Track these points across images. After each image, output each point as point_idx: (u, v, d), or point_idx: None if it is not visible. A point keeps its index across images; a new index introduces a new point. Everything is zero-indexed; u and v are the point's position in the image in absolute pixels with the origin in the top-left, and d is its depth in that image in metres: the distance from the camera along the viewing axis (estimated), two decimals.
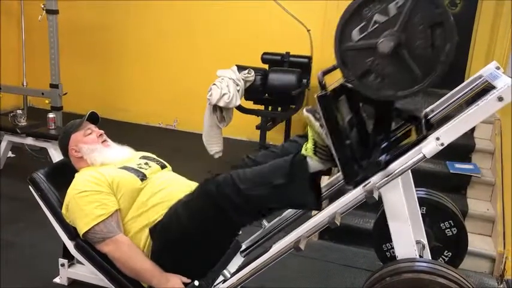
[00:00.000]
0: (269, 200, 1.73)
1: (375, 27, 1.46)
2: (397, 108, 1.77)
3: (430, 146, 1.50)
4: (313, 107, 1.66)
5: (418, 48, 1.44)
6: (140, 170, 2.04)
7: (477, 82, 1.82)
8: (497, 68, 1.77)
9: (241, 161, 2.02)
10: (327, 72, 1.61)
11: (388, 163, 1.57)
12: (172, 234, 1.86)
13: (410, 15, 1.42)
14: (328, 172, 1.78)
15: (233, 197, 1.71)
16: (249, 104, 4.13)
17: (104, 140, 2.13)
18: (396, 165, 1.56)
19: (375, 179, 1.57)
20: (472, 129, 3.48)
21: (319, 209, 1.74)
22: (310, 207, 1.83)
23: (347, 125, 1.68)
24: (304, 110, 1.60)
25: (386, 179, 1.56)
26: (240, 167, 1.94)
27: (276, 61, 4.28)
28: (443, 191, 2.54)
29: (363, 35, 1.48)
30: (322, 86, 1.53)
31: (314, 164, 1.68)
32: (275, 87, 3.93)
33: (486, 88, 1.67)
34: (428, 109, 1.96)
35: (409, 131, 1.86)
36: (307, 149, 1.69)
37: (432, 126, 1.81)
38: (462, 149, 3.39)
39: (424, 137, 1.53)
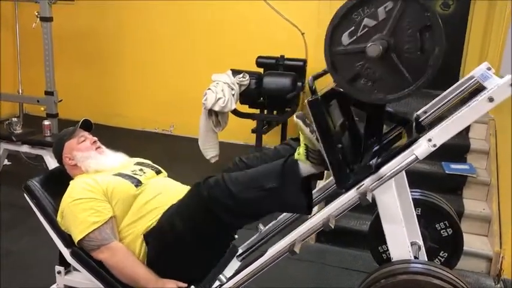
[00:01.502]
0: (260, 202, 1.73)
1: (364, 31, 1.46)
2: (388, 111, 1.78)
3: (422, 148, 1.50)
4: (304, 113, 1.67)
5: (407, 52, 1.44)
6: (135, 176, 2.03)
7: (469, 83, 1.84)
8: (489, 69, 1.78)
9: (233, 163, 2.03)
10: (317, 76, 1.62)
11: (379, 166, 1.57)
12: (167, 240, 1.85)
13: (399, 19, 1.42)
14: (320, 176, 1.79)
15: (225, 199, 1.72)
16: (245, 108, 4.14)
17: (98, 147, 2.13)
18: (388, 168, 1.56)
19: (368, 182, 1.58)
20: (467, 130, 3.50)
21: (309, 213, 1.74)
22: (301, 211, 1.82)
23: (339, 129, 1.69)
24: (295, 116, 1.61)
25: (379, 181, 1.56)
26: (231, 169, 1.95)
27: (271, 64, 4.29)
28: (440, 192, 2.54)
29: (352, 39, 1.48)
30: (313, 91, 1.53)
31: (306, 167, 1.69)
32: (270, 90, 3.94)
33: (479, 88, 1.68)
34: (420, 111, 1.98)
35: (401, 134, 1.86)
36: (299, 153, 1.70)
37: (423, 128, 1.81)
38: (457, 149, 3.40)
39: (415, 140, 1.53)
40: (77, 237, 1.88)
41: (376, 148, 1.74)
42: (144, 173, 2.09)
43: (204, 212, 1.77)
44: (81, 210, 1.87)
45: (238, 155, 2.07)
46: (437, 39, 1.41)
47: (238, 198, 1.71)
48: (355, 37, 1.47)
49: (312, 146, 1.66)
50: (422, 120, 1.91)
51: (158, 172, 2.18)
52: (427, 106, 1.98)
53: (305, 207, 1.73)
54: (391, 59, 1.45)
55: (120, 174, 2.01)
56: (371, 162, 1.62)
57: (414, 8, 1.41)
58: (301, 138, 1.71)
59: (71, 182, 2.01)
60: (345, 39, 1.48)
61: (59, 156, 2.13)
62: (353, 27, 1.47)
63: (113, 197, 1.92)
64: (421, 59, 1.44)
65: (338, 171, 1.59)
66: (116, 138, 3.81)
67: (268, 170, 1.76)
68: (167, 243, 1.86)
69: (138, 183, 1.99)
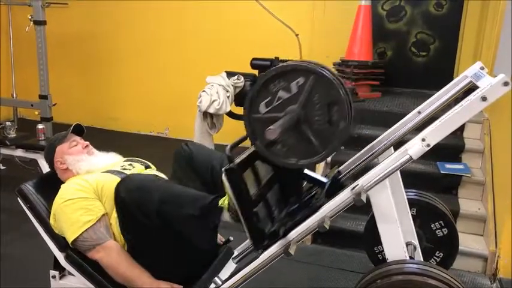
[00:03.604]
0: (173, 220, 1.78)
1: (279, 102, 1.58)
2: (304, 173, 1.91)
3: (416, 147, 1.51)
4: None
5: (316, 124, 1.57)
6: (124, 171, 2.03)
7: (462, 82, 1.84)
8: (482, 68, 1.79)
9: (180, 147, 2.12)
10: (234, 145, 1.70)
11: (288, 231, 1.67)
12: (131, 237, 1.89)
13: (309, 94, 1.54)
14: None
15: (145, 203, 1.76)
16: (240, 110, 4.12)
17: (90, 151, 2.13)
18: (295, 232, 1.67)
19: (362, 181, 1.58)
20: (462, 129, 3.51)
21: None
22: (201, 247, 1.91)
23: (266, 184, 1.81)
24: (223, 175, 1.66)
25: (373, 181, 1.57)
26: (178, 153, 2.08)
27: (266, 66, 4.26)
28: (435, 192, 2.54)
29: (268, 108, 1.60)
30: (230, 160, 1.60)
31: (227, 216, 1.77)
32: None
33: (472, 88, 1.68)
34: (342, 167, 2.05)
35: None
36: (224, 204, 1.76)
37: (342, 185, 1.88)
38: (452, 149, 3.41)
39: (323, 203, 1.64)
40: (70, 237, 1.87)
41: (295, 207, 1.85)
42: (134, 167, 2.10)
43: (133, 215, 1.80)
44: (72, 210, 1.87)
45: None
46: (343, 114, 1.52)
47: (157, 207, 1.75)
48: (270, 107, 1.60)
49: (232, 205, 1.71)
50: (340, 179, 1.99)
51: (147, 167, 2.19)
52: (421, 106, 1.99)
53: (206, 246, 1.91)
54: (302, 129, 1.57)
55: (109, 171, 2.02)
56: (280, 226, 1.72)
57: (322, 84, 1.53)
58: (227, 195, 1.74)
59: (62, 185, 2.01)
60: (262, 107, 1.61)
61: (50, 161, 2.13)
62: (269, 98, 1.59)
63: (102, 193, 1.91)
64: (329, 130, 1.55)
65: (253, 235, 1.69)
66: (110, 141, 3.79)
67: (197, 197, 1.81)
68: (133, 241, 1.88)
69: None
